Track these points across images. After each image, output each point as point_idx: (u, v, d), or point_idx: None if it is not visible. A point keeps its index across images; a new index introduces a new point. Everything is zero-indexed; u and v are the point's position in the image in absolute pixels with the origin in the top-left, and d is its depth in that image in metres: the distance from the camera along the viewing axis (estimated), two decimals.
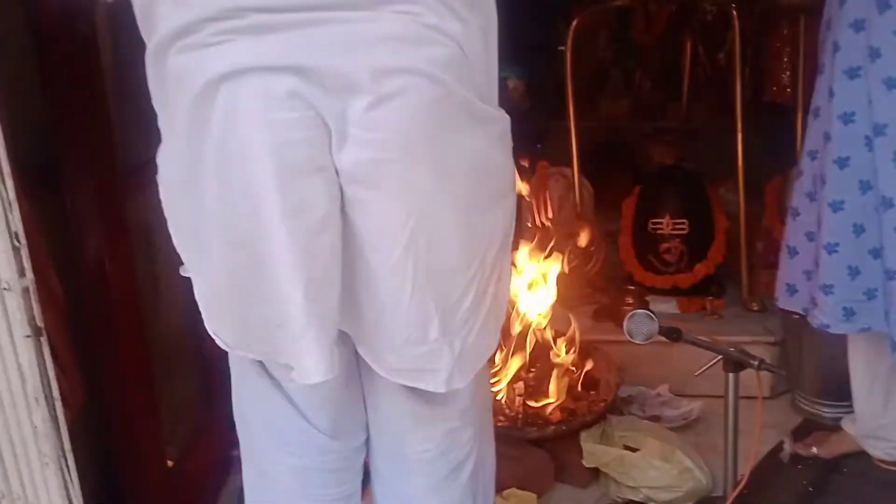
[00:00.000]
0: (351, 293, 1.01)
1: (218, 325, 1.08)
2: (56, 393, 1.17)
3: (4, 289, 1.08)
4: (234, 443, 2.11)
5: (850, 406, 1.84)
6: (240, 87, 0.85)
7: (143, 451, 1.55)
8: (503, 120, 1.01)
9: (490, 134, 0.99)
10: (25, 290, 1.11)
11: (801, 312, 1.70)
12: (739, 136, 2.27)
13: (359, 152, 0.89)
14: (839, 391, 1.89)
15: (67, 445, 1.18)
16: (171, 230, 1.04)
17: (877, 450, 1.82)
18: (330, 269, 0.96)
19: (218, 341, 1.09)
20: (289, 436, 1.17)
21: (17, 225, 1.08)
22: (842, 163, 1.52)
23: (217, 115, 0.86)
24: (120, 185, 1.45)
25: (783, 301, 1.72)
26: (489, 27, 0.97)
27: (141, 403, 1.55)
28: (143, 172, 1.66)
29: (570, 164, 2.60)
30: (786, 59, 2.45)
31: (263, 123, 0.86)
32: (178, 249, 1.05)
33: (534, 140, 3.65)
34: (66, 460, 1.17)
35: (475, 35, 0.93)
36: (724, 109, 3.22)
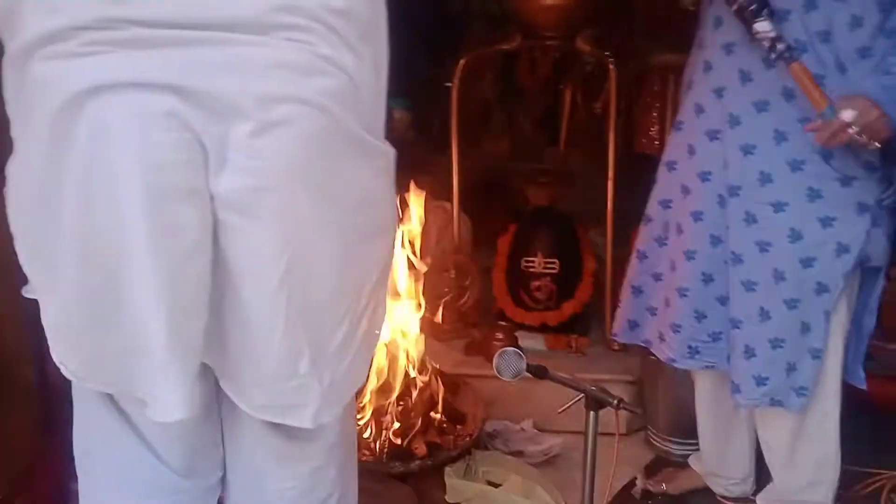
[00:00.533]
0: (217, 324, 0.95)
1: (65, 353, 0.99)
2: None
3: None
4: (73, 475, 1.97)
5: (697, 444, 1.94)
6: (111, 102, 0.80)
7: None
8: (389, 153, 1.01)
9: (375, 166, 0.98)
10: None
11: (642, 344, 1.81)
12: (611, 183, 2.38)
13: (238, 179, 0.86)
14: (688, 429, 1.99)
15: None
16: (18, 247, 0.94)
17: (718, 486, 1.93)
18: (197, 299, 0.91)
19: (64, 370, 1.00)
20: (137, 473, 1.08)
21: None
22: (696, 216, 1.63)
23: (83, 129, 0.81)
24: None
25: (623, 335, 1.84)
26: (380, 60, 0.97)
27: None
28: None
29: (449, 199, 2.64)
30: (655, 114, 2.60)
31: (136, 142, 0.82)
32: (25, 268, 0.96)
33: (415, 171, 3.70)
34: None
35: (367, 67, 0.93)
36: (598, 156, 3.39)
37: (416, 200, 2.17)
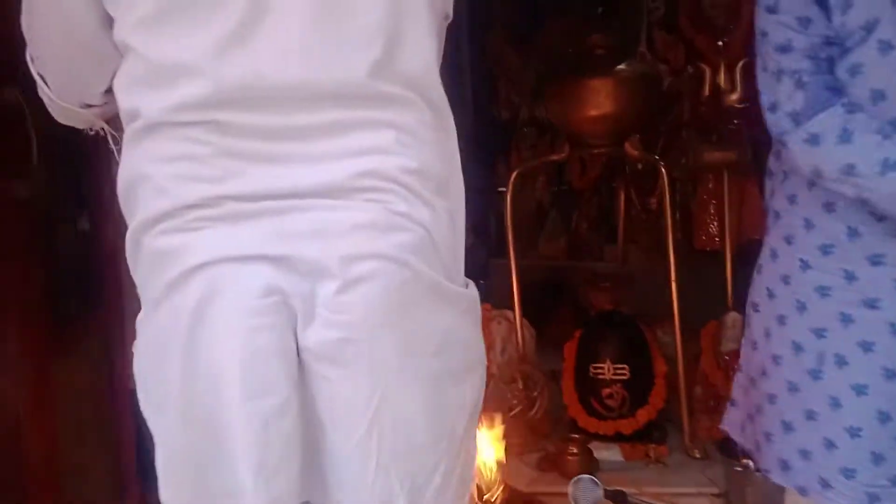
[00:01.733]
0: (318, 466, 0.99)
1: (169, 497, 1.04)
2: None
3: None
4: None
5: None
6: (215, 274, 0.89)
7: None
8: (470, 296, 1.03)
9: (458, 310, 1.00)
10: None
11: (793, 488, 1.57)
12: (674, 284, 2.35)
13: (326, 332, 0.92)
14: None
15: None
16: (140, 395, 1.03)
17: None
18: (287, 451, 0.95)
19: None
20: None
21: None
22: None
23: (195, 300, 0.90)
24: (46, 347, 1.39)
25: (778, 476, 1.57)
26: (457, 211, 1.01)
27: None
28: (73, 330, 1.63)
29: (510, 305, 2.63)
30: (712, 211, 2.58)
31: (234, 310, 0.90)
32: (145, 414, 1.04)
33: (476, 277, 3.72)
34: None
35: (442, 219, 0.97)
36: (657, 251, 3.37)
37: None
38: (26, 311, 1.37)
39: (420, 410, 0.98)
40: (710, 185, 2.58)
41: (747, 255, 1.81)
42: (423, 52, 0.96)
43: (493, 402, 2.49)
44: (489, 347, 2.69)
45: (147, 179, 0.92)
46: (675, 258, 2.37)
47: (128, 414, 1.87)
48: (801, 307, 1.53)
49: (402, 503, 0.99)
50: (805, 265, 1.50)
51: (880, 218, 1.39)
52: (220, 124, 0.88)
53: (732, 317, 2.32)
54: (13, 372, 1.32)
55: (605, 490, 1.43)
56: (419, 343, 0.96)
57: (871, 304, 1.44)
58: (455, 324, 1.00)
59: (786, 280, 1.54)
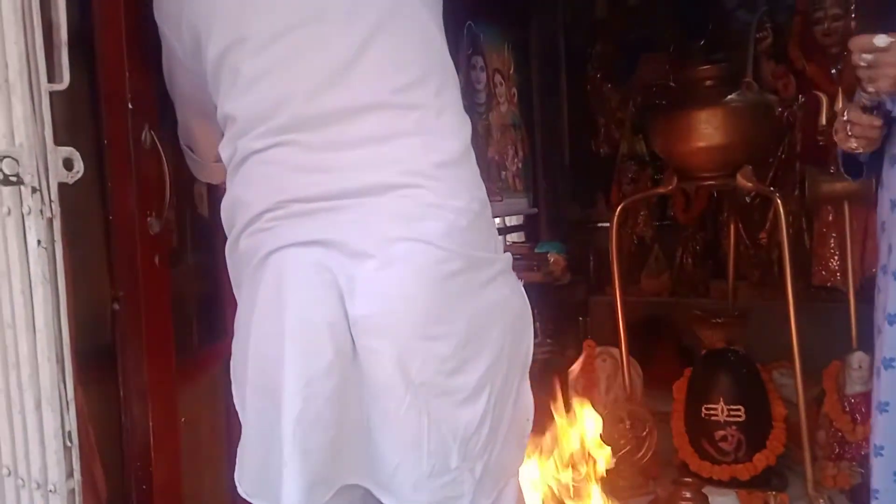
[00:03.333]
0: (369, 441, 1.11)
1: (241, 472, 1.18)
2: None
3: (50, 491, 1.06)
4: None
5: None
6: (283, 257, 1.08)
7: None
8: (502, 259, 1.18)
9: (490, 273, 1.14)
10: (71, 493, 1.08)
11: None
12: (793, 320, 2.22)
13: (369, 305, 1.06)
14: None
15: None
16: (234, 389, 1.20)
17: None
18: (325, 414, 1.06)
19: (239, 489, 1.18)
20: None
21: (72, 425, 1.07)
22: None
23: (266, 278, 1.09)
24: (173, 376, 1.45)
25: None
26: (485, 199, 1.18)
27: None
28: (194, 363, 1.69)
29: (614, 338, 2.57)
30: (832, 244, 2.45)
31: (294, 284, 1.07)
32: (236, 404, 1.19)
33: (576, 313, 3.66)
34: None
35: (473, 206, 1.13)
36: (769, 287, 3.21)
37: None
38: (155, 344, 1.43)
39: (459, 365, 1.09)
40: (830, 218, 2.45)
41: (871, 292, 1.71)
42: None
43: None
44: (594, 385, 2.64)
45: (239, 199, 1.15)
46: (794, 296, 2.25)
47: None
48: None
49: (455, 454, 1.09)
50: None
51: None
52: (288, 144, 1.09)
53: (858, 356, 2.17)
54: (145, 400, 1.38)
55: None
56: (454, 309, 1.08)
57: None
58: (488, 283, 1.13)
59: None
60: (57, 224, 1.05)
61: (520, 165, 4.02)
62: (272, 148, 1.10)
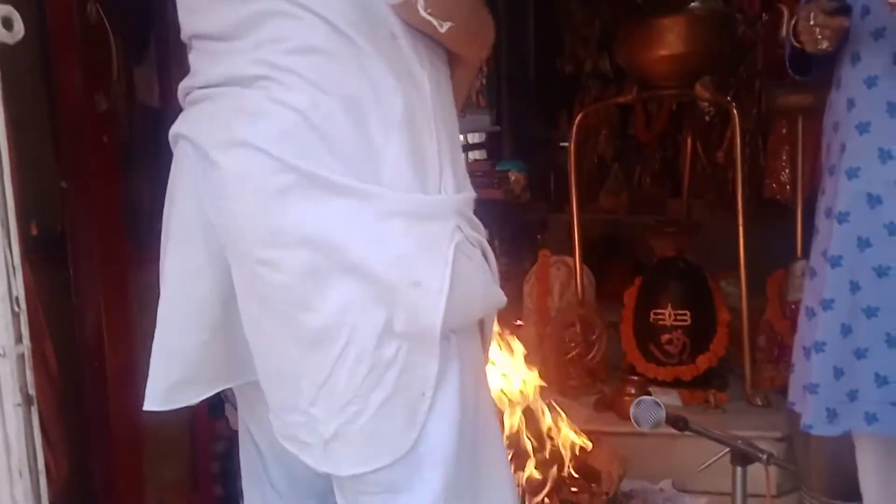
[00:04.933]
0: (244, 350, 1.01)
1: None
2: (41, 466, 1.13)
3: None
4: None
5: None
6: (176, 148, 1.00)
7: None
8: (384, 197, 0.90)
9: (347, 207, 0.89)
10: (20, 357, 1.08)
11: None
12: (741, 230, 2.29)
13: (215, 215, 0.95)
14: (848, 490, 1.83)
15: None
16: None
17: None
18: (192, 317, 1.02)
19: None
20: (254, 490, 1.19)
21: (19, 290, 1.07)
22: (834, 261, 1.52)
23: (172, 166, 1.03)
24: (125, 259, 1.45)
25: (821, 428, 1.60)
26: (362, 100, 0.91)
27: (127, 485, 1.49)
28: (148, 248, 1.68)
29: (571, 254, 2.62)
30: (784, 158, 2.50)
31: (177, 177, 1.01)
32: None
33: (535, 231, 3.71)
34: None
35: (324, 106, 0.89)
36: (723, 205, 3.29)
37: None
38: (106, 227, 1.42)
39: (295, 305, 0.93)
40: (784, 132, 2.49)
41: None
42: None
43: (552, 346, 2.51)
44: (548, 293, 2.71)
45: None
46: (743, 208, 2.31)
47: None
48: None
49: (304, 396, 0.96)
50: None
51: None
52: (201, 38, 0.98)
53: (801, 265, 2.25)
54: (96, 279, 1.38)
55: (668, 414, 1.42)
56: (284, 235, 0.90)
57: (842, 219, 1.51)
58: (338, 219, 0.89)
59: None
60: None
61: (483, 81, 3.99)
62: (194, 39, 1.00)
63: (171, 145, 1.01)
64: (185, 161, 0.97)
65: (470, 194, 0.98)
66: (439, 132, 0.94)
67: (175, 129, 0.99)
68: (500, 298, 1.02)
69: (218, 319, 1.00)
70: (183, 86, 1.00)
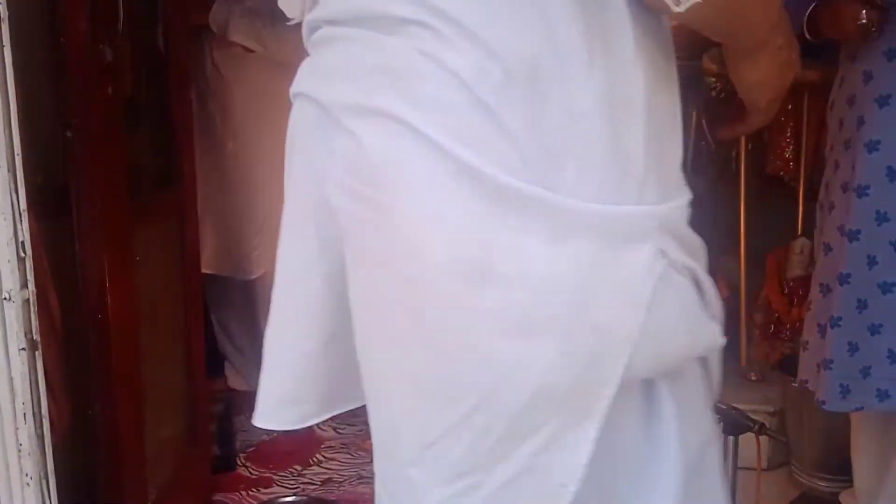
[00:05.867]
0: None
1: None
2: (45, 411, 1.14)
3: (4, 298, 1.07)
4: (215, 488, 2.08)
5: (849, 480, 1.80)
6: (294, 107, 0.78)
7: (127, 482, 1.51)
8: (564, 209, 0.64)
9: (524, 222, 0.64)
10: (25, 303, 1.10)
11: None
12: (743, 206, 2.29)
13: (338, 197, 0.72)
14: (838, 464, 1.86)
15: (51, 467, 1.15)
16: None
17: None
18: (301, 319, 0.83)
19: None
20: None
21: (25, 235, 1.08)
22: (852, 235, 1.52)
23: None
24: (128, 211, 1.45)
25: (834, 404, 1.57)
26: (545, 71, 0.64)
27: (128, 434, 1.51)
28: (149, 206, 1.69)
29: None
30: (789, 134, 2.49)
31: (296, 145, 0.80)
32: None
33: None
34: (47, 482, 1.14)
35: (507, 77, 0.63)
36: (726, 180, 3.28)
37: None
38: (110, 177, 1.42)
39: None
40: (789, 108, 2.48)
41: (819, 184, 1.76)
42: None
43: None
44: None
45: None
46: (745, 185, 2.31)
47: (198, 289, 1.95)
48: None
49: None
50: None
51: None
52: None
53: (801, 242, 2.26)
54: (99, 231, 1.38)
55: None
56: (425, 249, 0.66)
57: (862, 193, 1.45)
58: (495, 235, 0.64)
59: None
60: (6, 27, 1.02)
61: None
62: None
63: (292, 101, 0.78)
64: (305, 124, 0.74)
65: (682, 201, 0.74)
66: (650, 121, 0.68)
67: (297, 85, 0.75)
68: (715, 339, 0.77)
69: (331, 326, 0.78)
70: (309, 19, 0.76)
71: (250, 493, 2.09)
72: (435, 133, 0.64)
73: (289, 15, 0.84)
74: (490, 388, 0.66)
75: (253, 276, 2.38)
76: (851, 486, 1.81)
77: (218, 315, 2.56)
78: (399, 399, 0.72)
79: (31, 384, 1.10)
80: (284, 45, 2.17)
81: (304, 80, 0.75)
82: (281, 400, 0.84)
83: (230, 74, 2.26)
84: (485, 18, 0.63)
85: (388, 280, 0.69)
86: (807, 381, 1.66)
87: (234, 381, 2.63)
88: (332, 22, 0.72)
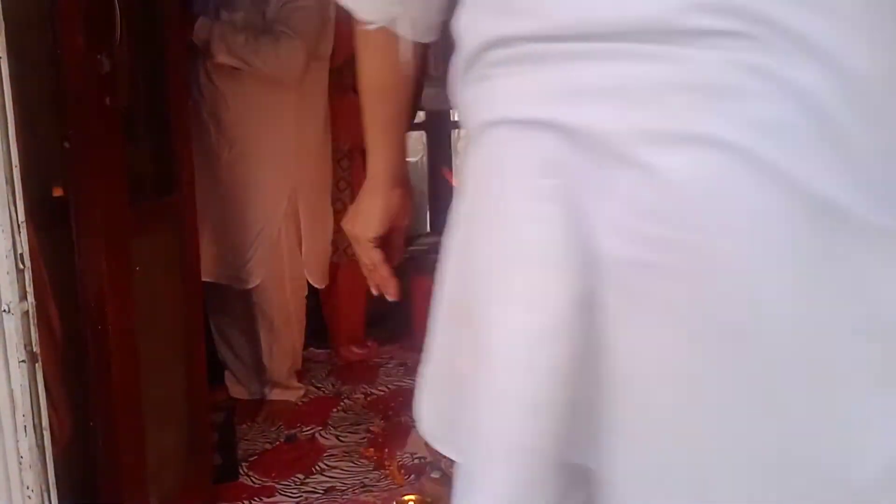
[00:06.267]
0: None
1: (420, 408, 0.86)
2: (45, 423, 1.14)
3: (4, 311, 1.07)
4: (217, 497, 2.07)
5: None
6: (498, 140, 0.68)
7: (128, 492, 1.50)
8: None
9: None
10: (25, 314, 1.10)
11: None
12: None
13: (631, 247, 0.60)
14: None
15: (52, 479, 1.15)
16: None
17: None
18: (527, 400, 0.69)
19: (419, 426, 0.85)
20: None
21: (24, 247, 1.08)
22: None
23: (479, 165, 0.73)
24: (127, 221, 1.45)
25: None
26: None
27: (129, 445, 1.51)
28: (147, 215, 1.69)
29: None
30: None
31: (513, 187, 0.68)
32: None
33: None
34: (48, 494, 1.14)
35: (859, 92, 0.54)
36: None
37: None
38: (109, 188, 1.42)
39: None
40: None
41: None
42: None
43: None
44: None
45: (460, 21, 0.71)
46: None
47: (198, 296, 1.95)
48: None
49: None
50: None
51: None
52: None
53: None
54: (98, 241, 1.38)
55: None
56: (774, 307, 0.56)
57: None
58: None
59: None
60: (2, 39, 1.02)
61: None
62: None
63: (480, 132, 0.67)
64: (535, 159, 0.62)
65: None
66: None
67: (515, 110, 0.64)
68: None
69: (564, 397, 0.65)
70: (497, 35, 0.64)
71: (253, 502, 2.09)
72: (778, 160, 0.53)
73: (364, 17, 0.77)
74: (840, 463, 0.56)
75: (250, 286, 2.38)
76: None
77: (217, 322, 2.55)
78: (719, 474, 0.60)
79: (31, 396, 1.10)
80: (267, 59, 2.18)
81: (534, 105, 0.62)
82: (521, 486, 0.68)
83: (223, 85, 2.25)
84: (838, 31, 0.54)
85: (705, 338, 0.58)
86: None
87: (235, 390, 2.62)
88: (560, 38, 0.60)
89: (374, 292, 0.94)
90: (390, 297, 0.93)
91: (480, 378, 0.68)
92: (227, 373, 2.61)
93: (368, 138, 0.88)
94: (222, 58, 2.20)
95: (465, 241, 0.72)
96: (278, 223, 2.37)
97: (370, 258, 0.91)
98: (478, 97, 0.68)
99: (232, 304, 2.50)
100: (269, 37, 2.19)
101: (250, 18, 2.25)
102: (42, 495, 1.12)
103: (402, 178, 0.89)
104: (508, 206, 0.65)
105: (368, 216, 0.89)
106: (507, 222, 0.66)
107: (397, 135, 0.88)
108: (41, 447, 1.12)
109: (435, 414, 0.81)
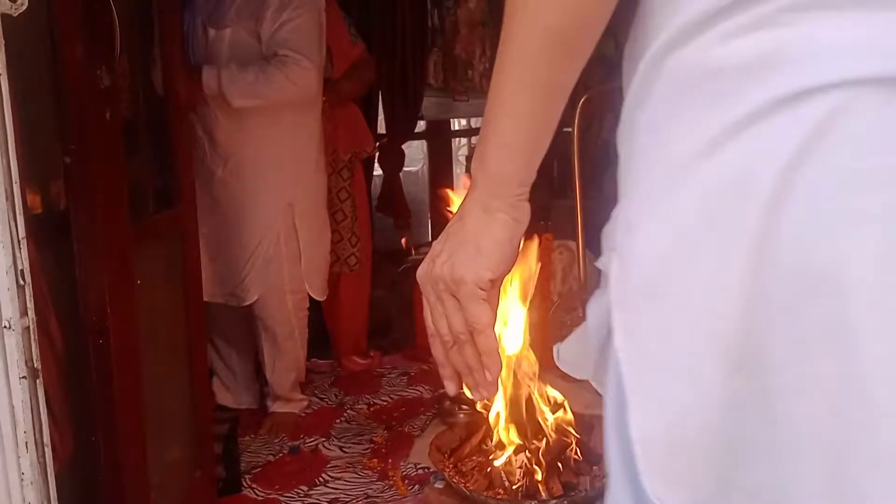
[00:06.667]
0: None
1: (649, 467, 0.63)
2: (47, 439, 1.14)
3: (4, 327, 1.06)
4: None
5: None
6: (845, 113, 0.52)
7: None
8: None
9: None
10: (25, 330, 1.09)
11: None
12: None
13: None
14: None
15: (54, 495, 1.14)
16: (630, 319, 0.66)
17: None
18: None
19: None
20: None
21: (24, 263, 1.07)
22: None
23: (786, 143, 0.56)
24: (128, 235, 1.45)
25: None
26: None
27: (131, 460, 1.50)
28: (149, 228, 1.69)
29: (574, 239, 2.62)
30: None
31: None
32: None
33: (538, 217, 3.70)
34: None
35: None
36: None
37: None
38: (110, 202, 1.42)
39: None
40: None
41: None
42: None
43: (554, 329, 2.52)
44: (550, 277, 2.71)
45: None
46: None
47: (200, 308, 1.94)
48: None
49: None
50: None
51: None
52: None
53: None
54: (99, 256, 1.38)
55: None
56: None
57: None
58: None
59: None
60: (2, 55, 1.02)
61: (487, 65, 3.97)
62: None
63: (778, 102, 0.50)
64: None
65: None
66: None
67: (857, 68, 0.48)
68: None
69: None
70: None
71: None
72: None
73: None
74: None
75: (247, 303, 2.38)
76: None
77: (210, 332, 2.55)
78: None
79: (32, 412, 1.09)
80: (283, 88, 2.15)
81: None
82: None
83: (215, 102, 2.23)
84: None
85: None
86: None
87: (223, 398, 2.61)
88: None
89: (473, 395, 0.68)
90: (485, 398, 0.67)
91: None
92: (213, 379, 2.59)
93: (512, 119, 0.61)
94: (239, 102, 2.17)
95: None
96: (274, 239, 2.35)
97: (476, 316, 0.64)
98: (780, 49, 0.49)
99: (226, 313, 2.48)
100: (277, 64, 2.17)
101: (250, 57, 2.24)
102: None
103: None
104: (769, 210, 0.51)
105: (497, 245, 0.63)
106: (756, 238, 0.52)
107: (559, 112, 0.63)
108: (42, 464, 1.11)
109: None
